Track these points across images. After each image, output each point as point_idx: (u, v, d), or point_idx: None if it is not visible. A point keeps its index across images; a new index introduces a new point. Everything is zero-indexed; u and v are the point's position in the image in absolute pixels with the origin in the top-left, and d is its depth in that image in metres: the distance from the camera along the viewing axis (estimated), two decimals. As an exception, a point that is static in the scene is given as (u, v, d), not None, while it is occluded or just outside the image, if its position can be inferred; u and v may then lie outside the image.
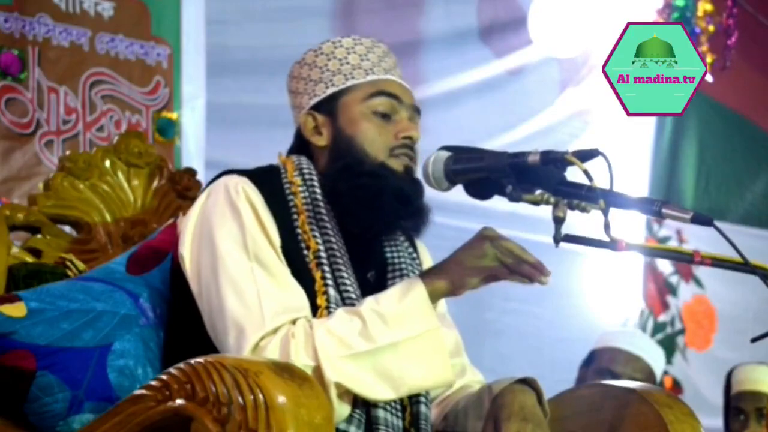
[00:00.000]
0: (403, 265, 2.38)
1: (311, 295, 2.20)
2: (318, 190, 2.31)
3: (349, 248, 2.30)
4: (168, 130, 4.29)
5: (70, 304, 2.27)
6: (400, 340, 2.12)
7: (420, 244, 2.51)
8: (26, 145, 3.97)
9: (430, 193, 2.28)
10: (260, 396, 1.76)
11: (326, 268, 2.23)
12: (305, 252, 2.24)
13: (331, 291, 2.21)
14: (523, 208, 2.28)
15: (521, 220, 4.69)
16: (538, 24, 5.42)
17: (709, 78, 5.14)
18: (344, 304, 2.21)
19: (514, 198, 2.09)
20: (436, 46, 5.27)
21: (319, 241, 2.25)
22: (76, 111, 4.09)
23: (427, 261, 2.49)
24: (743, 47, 5.77)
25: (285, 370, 1.81)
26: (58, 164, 2.69)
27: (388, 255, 2.39)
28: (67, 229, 2.64)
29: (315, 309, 2.20)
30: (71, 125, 4.09)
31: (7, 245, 2.43)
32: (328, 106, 2.36)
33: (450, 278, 2.18)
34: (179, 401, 1.85)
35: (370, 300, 2.16)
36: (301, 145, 2.40)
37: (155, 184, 2.71)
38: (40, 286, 2.33)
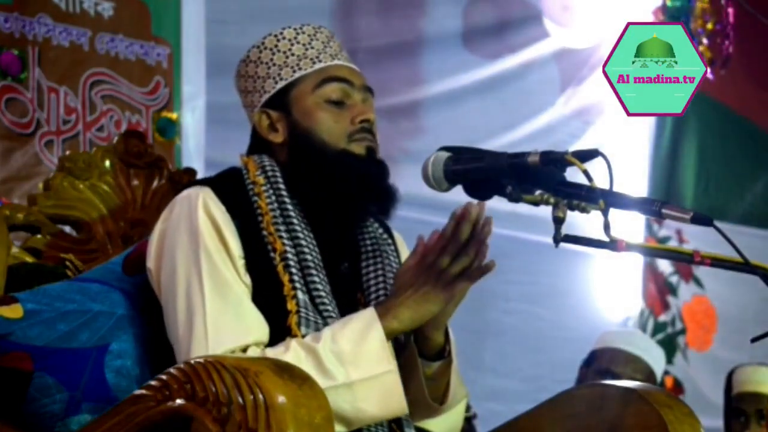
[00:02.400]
0: (377, 252, 2.34)
1: (281, 300, 2.17)
2: (283, 187, 2.26)
3: (320, 242, 2.26)
4: (168, 130, 4.29)
5: (67, 305, 2.26)
6: (354, 380, 2.08)
7: (397, 234, 2.47)
8: (26, 145, 3.97)
9: (431, 194, 2.28)
10: (260, 396, 1.76)
11: (294, 270, 2.18)
12: (272, 255, 2.20)
13: (300, 294, 2.17)
14: (523, 208, 2.27)
15: (521, 220, 4.70)
16: (552, 13, 5.42)
17: (709, 76, 5.14)
18: (314, 306, 2.18)
19: (513, 198, 2.09)
20: (437, 46, 5.27)
21: (286, 240, 2.20)
22: (76, 111, 4.09)
23: (404, 250, 2.44)
24: (743, 47, 5.77)
25: (285, 370, 1.81)
26: (58, 164, 2.68)
27: (361, 242, 2.36)
28: (67, 229, 2.63)
29: (285, 314, 2.16)
30: (71, 125, 4.09)
31: (7, 245, 2.43)
32: (280, 101, 2.32)
33: (409, 318, 2.13)
34: (179, 401, 1.84)
35: (327, 337, 2.11)
36: (258, 144, 2.36)
37: (155, 184, 2.70)
38: (36, 287, 2.31)
